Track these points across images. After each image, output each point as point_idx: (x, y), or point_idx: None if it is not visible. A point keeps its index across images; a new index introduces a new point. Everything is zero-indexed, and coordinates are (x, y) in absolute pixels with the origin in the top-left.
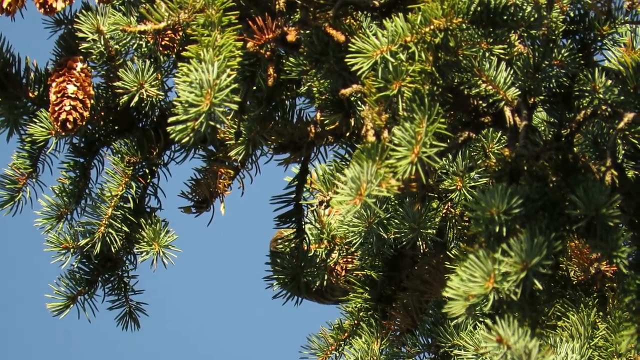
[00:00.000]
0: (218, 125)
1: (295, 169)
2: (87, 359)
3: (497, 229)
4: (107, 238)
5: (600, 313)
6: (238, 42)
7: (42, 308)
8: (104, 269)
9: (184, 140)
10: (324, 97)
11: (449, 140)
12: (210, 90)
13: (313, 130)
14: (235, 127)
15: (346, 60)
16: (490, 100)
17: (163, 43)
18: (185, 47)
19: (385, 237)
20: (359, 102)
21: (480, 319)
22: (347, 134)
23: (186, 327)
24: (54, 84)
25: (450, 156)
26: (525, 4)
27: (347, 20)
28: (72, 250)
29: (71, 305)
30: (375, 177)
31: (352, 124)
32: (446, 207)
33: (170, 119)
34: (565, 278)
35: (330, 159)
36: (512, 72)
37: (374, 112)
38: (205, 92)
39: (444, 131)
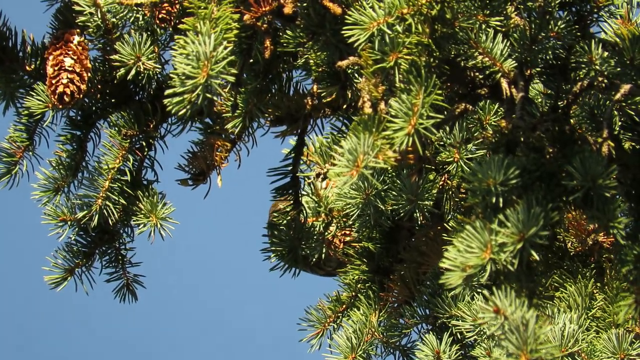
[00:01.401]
0: (215, 98)
1: (292, 141)
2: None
3: (493, 200)
4: (105, 210)
5: (598, 284)
6: (235, 15)
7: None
8: (101, 241)
9: (180, 113)
10: (320, 70)
11: (445, 112)
12: (207, 62)
13: (310, 103)
14: (232, 99)
15: (343, 32)
16: (487, 72)
17: (160, 16)
18: (182, 20)
19: (383, 208)
20: (356, 75)
21: (478, 290)
22: (344, 106)
23: (183, 300)
24: (51, 57)
25: (447, 128)
26: None
27: None
28: (69, 222)
29: (69, 278)
30: (372, 148)
31: (349, 96)
32: (443, 179)
33: (167, 91)
34: (563, 249)
35: (327, 131)
36: (508, 44)
37: (371, 84)
38: (202, 64)
39: (440, 103)
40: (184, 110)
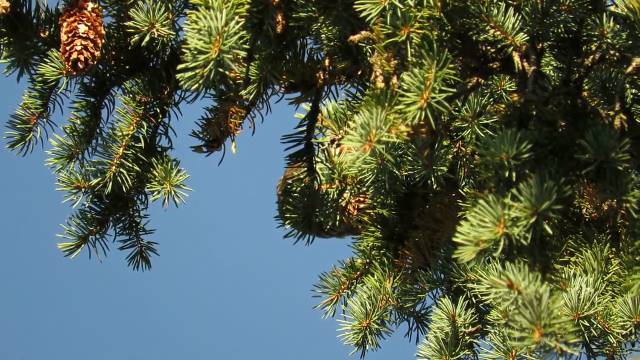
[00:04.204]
0: (227, 72)
1: (306, 106)
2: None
3: (506, 174)
4: (119, 177)
5: (613, 249)
6: None
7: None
8: (115, 208)
9: (193, 88)
10: (332, 44)
11: (457, 86)
12: (219, 37)
13: (322, 77)
14: (244, 74)
15: (355, 6)
16: (499, 46)
17: None
18: None
19: (398, 174)
20: (369, 49)
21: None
22: (359, 73)
23: (193, 268)
24: (65, 24)
25: (459, 101)
26: None
27: None
28: (83, 189)
29: (82, 245)
30: (384, 123)
31: (362, 68)
32: (457, 145)
33: (179, 66)
34: (578, 215)
35: (342, 97)
36: (520, 17)
37: (383, 59)
38: (214, 39)
39: (452, 77)
40: (196, 85)
